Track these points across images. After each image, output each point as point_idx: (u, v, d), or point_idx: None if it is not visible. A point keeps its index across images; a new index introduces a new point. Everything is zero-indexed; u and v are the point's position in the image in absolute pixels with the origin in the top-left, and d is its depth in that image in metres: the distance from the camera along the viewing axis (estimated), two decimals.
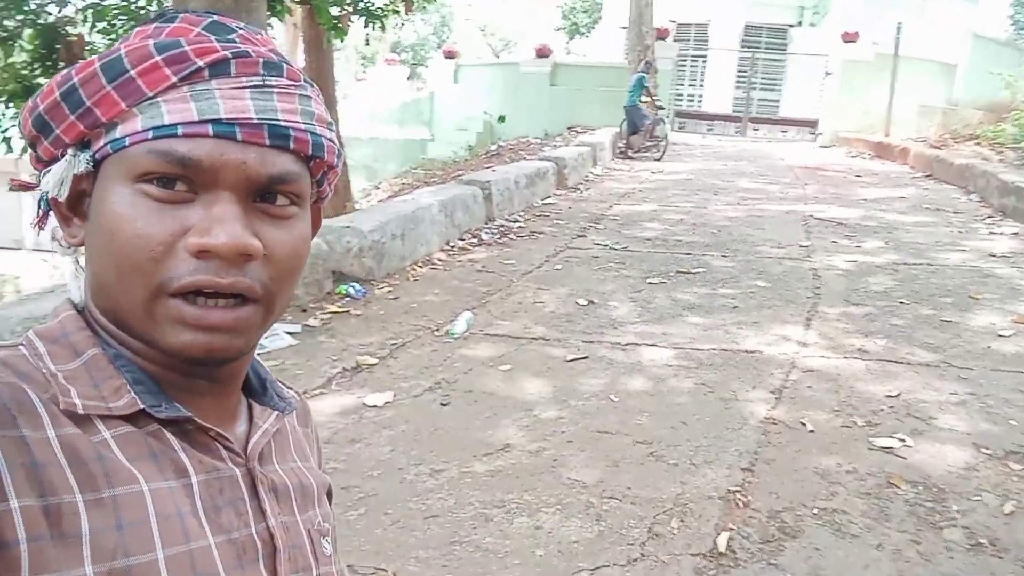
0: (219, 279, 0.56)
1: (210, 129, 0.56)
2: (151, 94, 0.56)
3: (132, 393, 0.57)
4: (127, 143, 0.56)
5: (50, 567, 0.49)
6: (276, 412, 0.70)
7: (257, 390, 0.71)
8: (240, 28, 0.61)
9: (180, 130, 0.55)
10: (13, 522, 0.48)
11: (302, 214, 0.63)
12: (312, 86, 0.64)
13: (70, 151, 0.59)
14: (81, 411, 0.55)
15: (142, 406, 0.57)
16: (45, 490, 0.50)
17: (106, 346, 0.60)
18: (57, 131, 0.58)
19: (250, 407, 0.69)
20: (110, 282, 0.58)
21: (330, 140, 0.64)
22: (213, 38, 0.58)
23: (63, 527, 0.50)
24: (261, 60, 0.59)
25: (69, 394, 0.55)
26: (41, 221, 0.63)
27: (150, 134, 0.55)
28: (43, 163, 0.61)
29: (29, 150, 0.62)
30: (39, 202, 0.62)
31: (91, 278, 0.60)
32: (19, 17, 6.64)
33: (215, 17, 0.61)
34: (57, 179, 0.59)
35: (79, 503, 0.51)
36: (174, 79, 0.56)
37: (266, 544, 0.62)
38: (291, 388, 0.80)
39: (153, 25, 0.60)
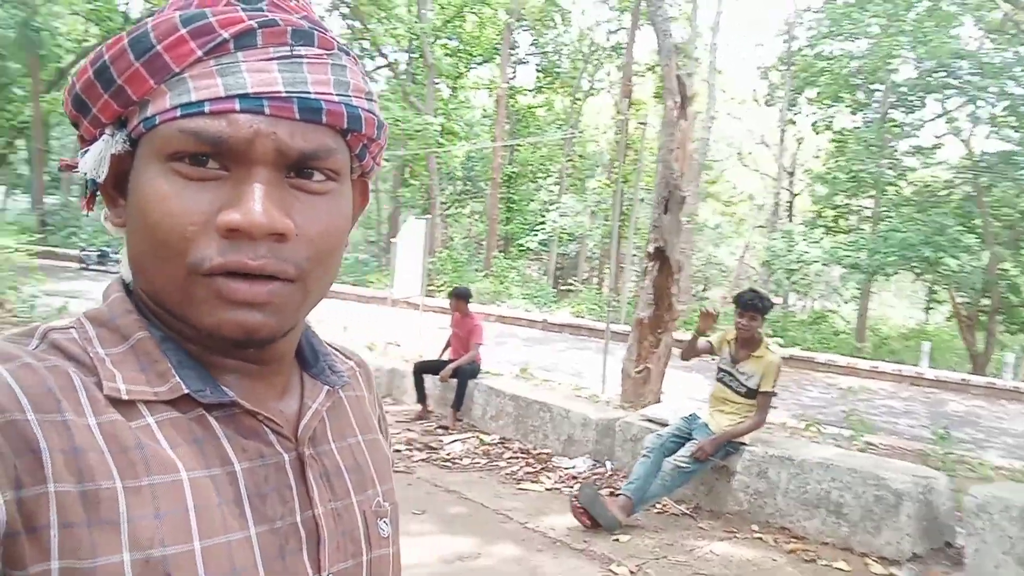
0: (248, 261, 0.54)
1: (237, 104, 0.54)
2: (178, 70, 0.55)
3: (177, 377, 0.57)
4: (157, 121, 0.55)
5: (82, 554, 0.49)
6: (327, 388, 0.67)
7: (309, 362, 0.69)
8: None
9: (207, 107, 0.54)
10: (48, 506, 0.49)
11: (341, 190, 0.60)
12: (348, 54, 0.60)
13: (107, 130, 0.58)
14: (125, 396, 0.55)
15: (186, 391, 0.57)
16: (84, 476, 0.50)
17: (153, 329, 0.59)
18: (94, 110, 0.58)
19: (303, 383, 0.67)
20: (146, 262, 0.57)
21: (368, 111, 0.61)
22: (240, 7, 0.56)
23: (101, 513, 0.50)
24: (289, 29, 0.57)
25: (114, 379, 0.55)
26: (88, 202, 0.64)
27: (178, 112, 0.54)
28: (86, 143, 0.61)
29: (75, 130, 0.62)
30: (85, 183, 0.62)
31: (130, 259, 0.60)
32: None
33: None
34: (95, 160, 0.59)
35: (118, 490, 0.51)
36: (199, 53, 0.55)
37: (311, 533, 0.60)
38: (351, 358, 0.79)
39: None
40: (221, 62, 0.55)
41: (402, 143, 23.55)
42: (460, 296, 7.06)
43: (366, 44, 25.39)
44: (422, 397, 6.86)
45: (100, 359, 0.56)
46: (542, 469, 5.46)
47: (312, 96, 0.56)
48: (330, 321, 11.71)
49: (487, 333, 7.17)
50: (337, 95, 0.58)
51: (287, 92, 0.55)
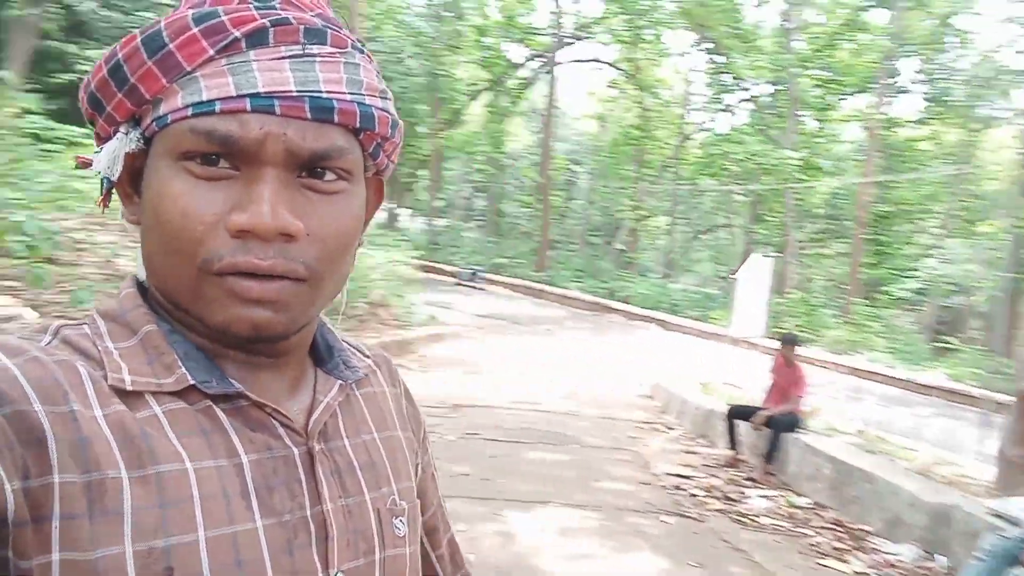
0: (258, 261, 0.54)
1: (248, 104, 0.54)
2: (189, 69, 0.55)
3: (183, 369, 0.57)
4: (169, 120, 0.55)
5: (82, 546, 0.49)
6: (340, 382, 0.67)
7: (324, 358, 0.69)
8: None
9: (218, 106, 0.54)
10: (52, 497, 0.49)
11: (353, 189, 0.60)
12: (362, 52, 0.60)
13: (122, 128, 0.59)
14: (129, 387, 0.55)
15: (192, 381, 0.57)
16: (90, 465, 0.51)
17: (161, 322, 0.60)
18: (108, 108, 0.58)
19: (316, 378, 0.67)
20: (158, 260, 0.58)
21: (382, 110, 0.60)
22: (252, 5, 0.56)
23: (106, 503, 0.50)
24: (302, 27, 0.56)
25: (120, 370, 0.56)
26: (104, 200, 0.64)
27: (189, 111, 0.55)
28: (102, 141, 0.61)
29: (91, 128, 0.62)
30: (102, 181, 0.62)
31: (143, 256, 0.60)
32: None
33: None
34: (109, 158, 0.59)
35: (124, 479, 0.51)
36: (211, 52, 0.55)
37: (320, 528, 0.60)
38: (369, 355, 0.77)
39: None
40: (232, 61, 0.55)
41: (756, 177, 22.72)
42: (789, 342, 6.62)
43: (728, 78, 25.12)
44: (733, 443, 6.48)
45: (108, 352, 0.57)
46: (854, 547, 4.76)
47: (324, 95, 0.56)
48: (664, 354, 11.70)
49: (835, 387, 6.53)
50: (350, 94, 0.57)
51: (298, 91, 0.55)
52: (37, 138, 7.34)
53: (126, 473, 0.51)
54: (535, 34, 27.78)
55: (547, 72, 26.64)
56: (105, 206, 0.65)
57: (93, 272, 6.15)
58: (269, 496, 0.57)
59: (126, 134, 0.58)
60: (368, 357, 0.77)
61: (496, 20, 27.98)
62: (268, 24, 0.55)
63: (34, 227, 5.01)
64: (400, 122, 0.64)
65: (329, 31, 0.57)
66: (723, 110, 27.29)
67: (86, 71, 0.61)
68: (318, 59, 0.56)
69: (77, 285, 5.36)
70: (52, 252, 5.61)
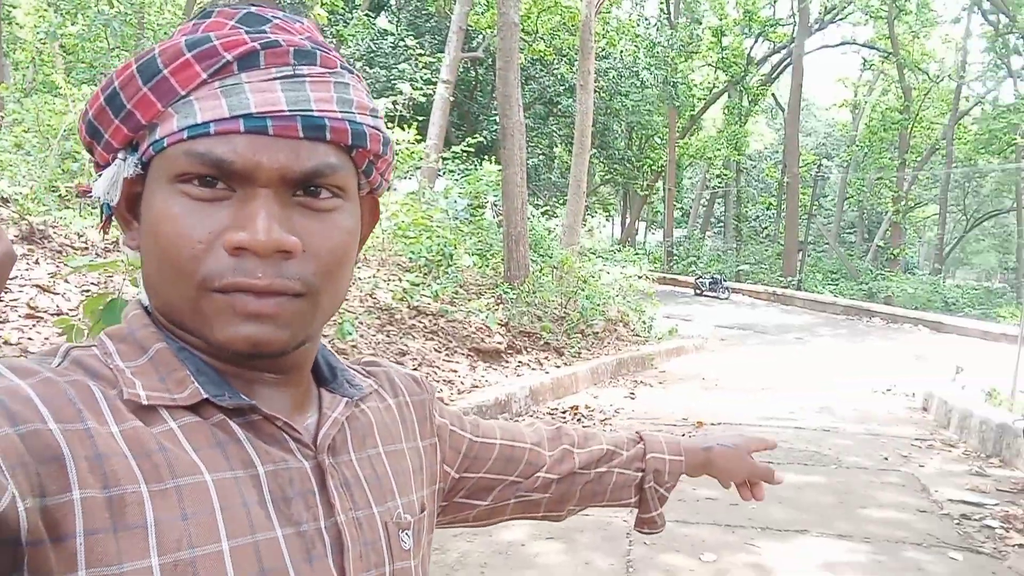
0: (256, 280, 0.56)
1: (241, 125, 0.56)
2: (184, 92, 0.57)
3: (195, 383, 0.58)
4: (165, 144, 0.57)
5: (108, 561, 0.49)
6: (345, 399, 0.68)
7: (328, 379, 0.70)
8: (276, 18, 0.61)
9: (212, 128, 0.56)
10: (74, 514, 0.49)
11: (347, 206, 0.61)
12: (351, 72, 0.62)
13: (120, 155, 0.60)
14: (145, 402, 0.56)
15: (205, 395, 0.58)
16: (109, 481, 0.51)
17: (170, 340, 0.61)
18: (106, 136, 0.60)
19: (320, 397, 0.68)
20: (159, 281, 0.59)
21: (373, 128, 0.62)
22: (244, 30, 0.58)
23: (127, 518, 0.51)
24: (292, 49, 0.58)
25: (134, 386, 0.57)
26: (104, 226, 0.66)
27: (185, 134, 0.56)
28: (101, 168, 0.63)
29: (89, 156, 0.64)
30: (101, 207, 0.64)
31: (144, 278, 0.62)
32: None
33: (251, 8, 0.61)
34: (107, 184, 0.61)
35: (144, 493, 0.52)
36: (204, 75, 0.56)
37: (335, 540, 0.61)
38: (371, 375, 0.78)
39: (192, 22, 0.61)
40: (225, 83, 0.57)
41: None
42: None
43: (1013, 39, 21.82)
44: None
45: (120, 370, 0.58)
46: None
47: (315, 114, 0.57)
48: (937, 360, 10.36)
49: None
50: (340, 112, 0.59)
51: (290, 111, 0.57)
52: None
53: (145, 487, 0.52)
54: (776, 25, 26.28)
55: (790, 64, 25.06)
56: (105, 232, 0.67)
57: (356, 305, 6.79)
58: (287, 507, 0.58)
59: (124, 160, 0.60)
60: (369, 376, 0.78)
61: (734, 19, 26.91)
62: (259, 47, 0.57)
63: None
64: (391, 139, 0.64)
65: (319, 53, 0.59)
66: (1008, 77, 23.75)
67: None
68: (308, 79, 0.58)
69: (343, 317, 5.94)
70: None
